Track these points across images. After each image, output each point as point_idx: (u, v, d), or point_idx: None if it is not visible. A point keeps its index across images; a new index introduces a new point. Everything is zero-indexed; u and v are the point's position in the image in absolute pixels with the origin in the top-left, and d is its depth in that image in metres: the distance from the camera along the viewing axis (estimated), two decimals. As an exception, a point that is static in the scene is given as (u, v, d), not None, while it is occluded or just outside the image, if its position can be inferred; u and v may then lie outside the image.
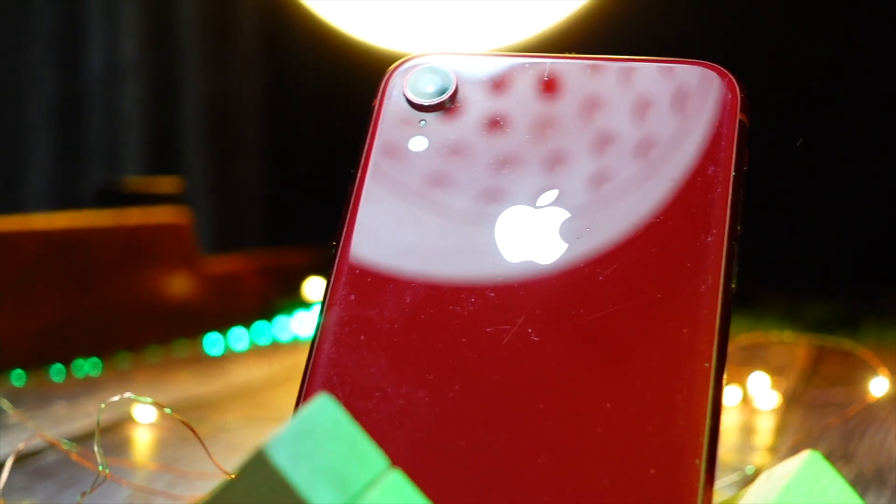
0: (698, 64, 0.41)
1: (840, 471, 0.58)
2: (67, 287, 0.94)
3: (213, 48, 1.44)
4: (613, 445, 0.35)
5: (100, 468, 0.45)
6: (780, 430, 0.73)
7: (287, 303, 1.16)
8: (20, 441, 0.55)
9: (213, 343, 1.03)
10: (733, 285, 0.37)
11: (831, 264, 1.46)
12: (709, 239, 0.37)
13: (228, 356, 1.01)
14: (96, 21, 1.37)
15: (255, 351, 1.04)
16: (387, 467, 0.30)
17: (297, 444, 0.29)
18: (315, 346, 0.38)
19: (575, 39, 1.22)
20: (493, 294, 0.38)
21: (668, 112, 0.40)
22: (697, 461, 0.34)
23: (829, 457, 0.64)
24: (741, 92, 0.40)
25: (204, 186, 1.42)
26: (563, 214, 0.39)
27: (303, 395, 0.37)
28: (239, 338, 1.06)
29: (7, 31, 1.37)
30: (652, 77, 0.41)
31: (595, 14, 1.23)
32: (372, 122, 0.41)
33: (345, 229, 0.39)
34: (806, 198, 1.45)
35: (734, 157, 0.39)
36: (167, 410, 0.47)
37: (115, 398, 0.48)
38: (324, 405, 0.30)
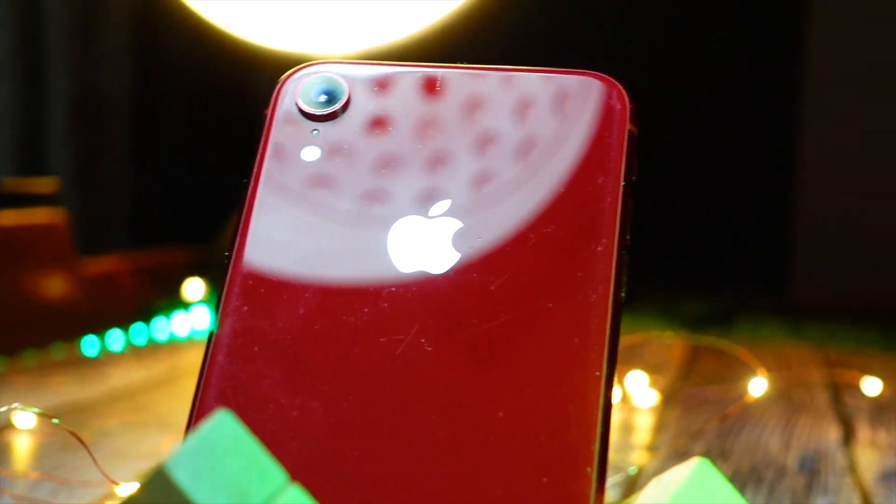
0: (587, 74, 0.41)
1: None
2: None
3: (81, 44, 1.42)
4: (506, 455, 0.35)
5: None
6: (659, 428, 0.74)
7: (165, 303, 1.15)
8: None
9: (90, 345, 1.02)
10: (623, 294, 0.37)
11: (706, 262, 1.49)
12: (599, 248, 0.38)
13: (106, 358, 0.99)
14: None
15: (133, 352, 1.03)
16: (286, 482, 0.30)
17: (197, 460, 0.29)
18: (208, 357, 0.37)
19: (453, 41, 1.22)
20: (386, 304, 0.38)
21: (558, 122, 0.40)
22: (589, 469, 0.34)
23: (707, 454, 0.65)
24: (630, 102, 0.40)
25: (71, 185, 1.40)
26: (456, 224, 0.39)
27: (196, 408, 0.37)
28: (116, 339, 1.05)
29: None
30: (541, 87, 0.41)
31: (476, 14, 1.23)
32: (264, 132, 0.41)
33: (237, 239, 0.39)
34: (682, 196, 1.47)
35: (623, 167, 0.39)
36: (55, 421, 0.46)
37: (3, 409, 0.47)
38: (223, 421, 0.30)
